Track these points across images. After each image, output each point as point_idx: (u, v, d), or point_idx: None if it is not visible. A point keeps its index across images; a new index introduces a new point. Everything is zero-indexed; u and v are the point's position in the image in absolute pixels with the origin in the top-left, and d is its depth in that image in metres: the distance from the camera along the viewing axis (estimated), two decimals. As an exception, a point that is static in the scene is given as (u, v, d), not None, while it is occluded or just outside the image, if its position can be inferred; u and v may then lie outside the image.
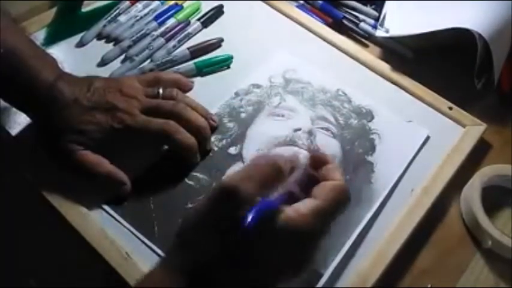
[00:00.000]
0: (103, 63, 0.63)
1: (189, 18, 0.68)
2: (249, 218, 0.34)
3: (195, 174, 0.53)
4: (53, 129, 0.51)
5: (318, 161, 0.42)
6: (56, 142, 0.51)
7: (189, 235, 0.38)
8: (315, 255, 0.39)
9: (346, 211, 0.40)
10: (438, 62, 0.66)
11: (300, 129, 0.56)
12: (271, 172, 0.39)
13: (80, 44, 0.64)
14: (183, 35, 0.65)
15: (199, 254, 0.36)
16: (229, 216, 0.35)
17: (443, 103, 0.60)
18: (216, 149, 0.55)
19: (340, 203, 0.40)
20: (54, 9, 0.66)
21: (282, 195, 0.38)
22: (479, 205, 0.52)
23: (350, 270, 0.48)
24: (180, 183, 0.52)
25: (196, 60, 0.63)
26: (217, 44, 0.65)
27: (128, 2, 0.68)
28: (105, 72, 0.61)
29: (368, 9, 0.72)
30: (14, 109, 0.56)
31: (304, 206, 0.38)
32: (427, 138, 0.57)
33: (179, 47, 0.65)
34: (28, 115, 0.53)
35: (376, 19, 0.70)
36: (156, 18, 0.67)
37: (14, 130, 0.56)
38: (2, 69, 0.50)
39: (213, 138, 0.55)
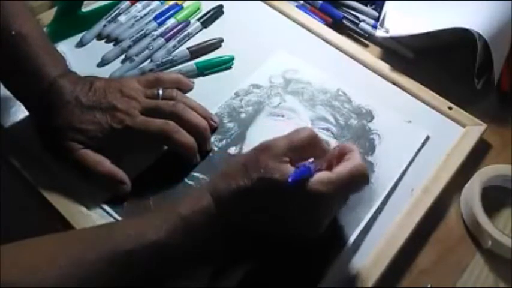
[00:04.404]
0: (103, 63, 0.63)
1: (189, 18, 0.68)
2: (292, 176, 0.40)
3: (195, 174, 0.53)
4: (53, 126, 0.51)
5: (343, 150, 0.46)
6: (56, 140, 0.51)
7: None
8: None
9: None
10: (438, 62, 0.66)
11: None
12: (310, 144, 0.45)
13: (80, 44, 0.64)
14: (183, 35, 0.65)
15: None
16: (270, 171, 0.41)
17: (443, 103, 0.60)
18: (216, 149, 0.55)
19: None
20: (54, 9, 0.65)
21: (315, 164, 0.43)
22: (479, 205, 0.52)
23: (350, 270, 0.48)
24: (180, 183, 0.52)
25: (197, 60, 0.63)
26: (218, 44, 0.65)
27: (128, 2, 0.68)
28: (105, 72, 0.61)
29: (368, 9, 0.72)
30: (13, 108, 0.56)
31: (329, 175, 0.43)
32: (427, 138, 0.57)
33: (179, 47, 0.65)
34: (26, 106, 0.53)
35: (376, 19, 0.70)
36: (156, 18, 0.67)
37: (12, 129, 0.56)
38: (10, 52, 0.51)
39: (213, 139, 0.55)
